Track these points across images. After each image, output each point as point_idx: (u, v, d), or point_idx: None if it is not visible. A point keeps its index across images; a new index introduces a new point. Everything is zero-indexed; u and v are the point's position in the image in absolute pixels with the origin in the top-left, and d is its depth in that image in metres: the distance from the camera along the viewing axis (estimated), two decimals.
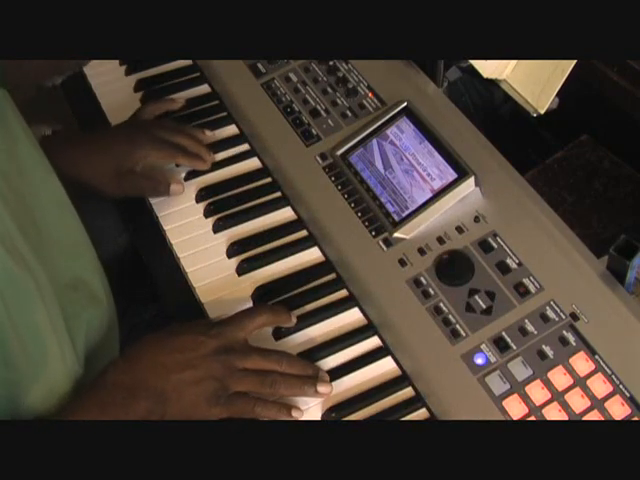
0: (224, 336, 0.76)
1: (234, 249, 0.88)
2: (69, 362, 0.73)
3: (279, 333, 0.81)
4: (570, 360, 0.72)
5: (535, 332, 0.74)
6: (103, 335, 0.80)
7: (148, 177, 0.93)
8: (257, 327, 0.79)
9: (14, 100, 0.75)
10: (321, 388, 0.76)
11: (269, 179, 0.94)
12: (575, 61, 0.85)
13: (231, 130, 1.00)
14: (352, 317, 0.82)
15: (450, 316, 0.77)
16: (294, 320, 0.81)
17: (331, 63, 0.99)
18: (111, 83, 1.06)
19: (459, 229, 0.82)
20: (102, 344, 0.80)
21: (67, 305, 0.73)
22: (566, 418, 0.70)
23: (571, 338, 0.73)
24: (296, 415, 0.75)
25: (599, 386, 0.70)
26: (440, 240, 0.82)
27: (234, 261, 0.87)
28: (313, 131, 0.93)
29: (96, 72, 1.07)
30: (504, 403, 0.71)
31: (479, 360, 0.74)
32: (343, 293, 0.84)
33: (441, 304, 0.77)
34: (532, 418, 0.70)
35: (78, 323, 0.75)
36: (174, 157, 0.94)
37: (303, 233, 0.89)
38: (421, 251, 0.81)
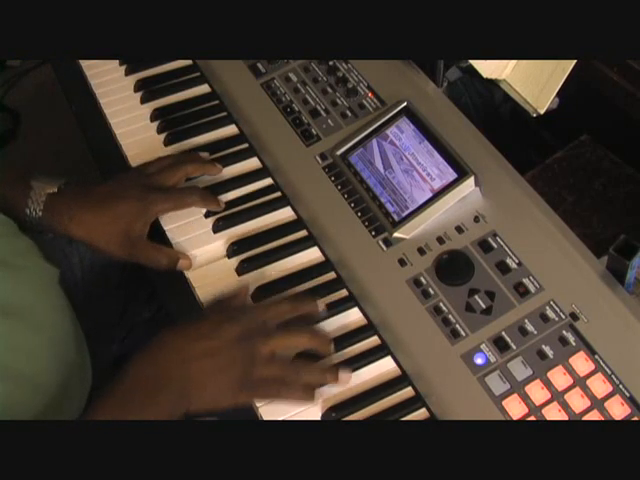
0: (248, 320, 0.75)
1: (234, 249, 0.88)
2: None
3: None
4: (570, 360, 0.72)
5: (535, 332, 0.74)
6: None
7: (157, 248, 0.87)
8: (282, 314, 0.78)
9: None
10: (343, 376, 0.76)
11: (269, 179, 0.94)
12: (575, 61, 0.85)
13: (231, 130, 1.00)
14: (352, 317, 0.82)
15: (450, 316, 0.77)
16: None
17: (331, 63, 0.99)
18: (111, 83, 1.06)
19: (459, 229, 0.82)
20: None
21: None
22: (566, 418, 0.70)
23: (571, 338, 0.73)
24: (318, 399, 0.75)
25: (599, 386, 0.70)
26: (440, 240, 0.82)
27: (234, 261, 0.87)
28: (313, 131, 0.93)
29: (96, 72, 1.07)
30: (504, 403, 0.71)
31: (479, 360, 0.74)
32: (343, 293, 0.84)
33: (441, 304, 0.77)
34: (532, 418, 0.70)
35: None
36: (188, 204, 0.90)
37: (303, 233, 0.89)
38: (421, 251, 0.81)
